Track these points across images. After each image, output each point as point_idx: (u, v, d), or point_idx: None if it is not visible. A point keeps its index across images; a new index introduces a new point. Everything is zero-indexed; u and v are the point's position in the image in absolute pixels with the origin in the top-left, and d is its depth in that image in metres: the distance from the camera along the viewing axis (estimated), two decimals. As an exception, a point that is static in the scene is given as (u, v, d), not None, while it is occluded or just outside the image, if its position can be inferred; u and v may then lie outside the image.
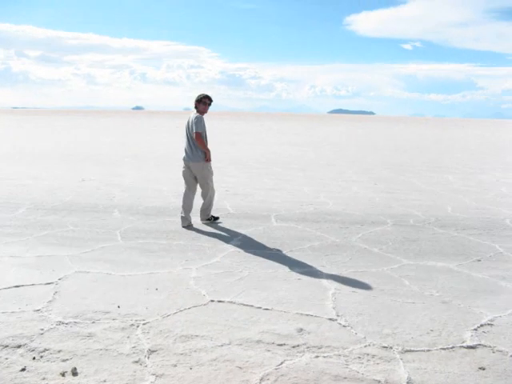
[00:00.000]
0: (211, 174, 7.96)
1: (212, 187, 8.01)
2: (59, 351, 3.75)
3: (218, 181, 12.51)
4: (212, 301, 4.77)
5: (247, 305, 4.69)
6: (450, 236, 7.57)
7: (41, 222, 7.86)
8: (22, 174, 13.45)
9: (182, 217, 7.89)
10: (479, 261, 6.35)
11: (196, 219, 8.14)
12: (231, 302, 4.75)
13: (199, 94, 7.94)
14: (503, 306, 4.86)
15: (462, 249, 6.88)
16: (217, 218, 8.29)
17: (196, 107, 7.90)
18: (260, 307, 4.64)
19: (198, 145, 7.69)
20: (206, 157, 7.73)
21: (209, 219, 8.19)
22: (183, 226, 7.79)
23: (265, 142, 29.83)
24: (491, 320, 4.51)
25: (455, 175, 15.27)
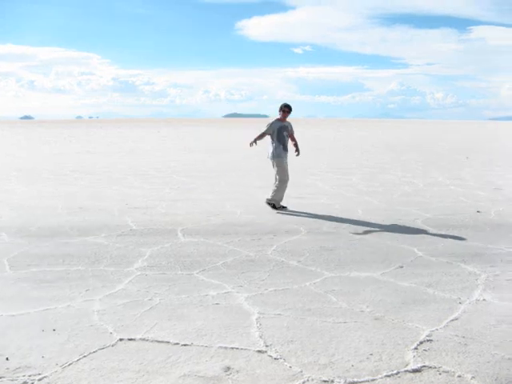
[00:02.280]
0: (282, 168, 9.67)
1: (282, 178, 9.71)
2: None
3: (117, 192, 11.74)
4: (121, 339, 4.12)
5: (162, 341, 4.08)
6: (366, 242, 7.33)
7: None
8: None
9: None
10: (402, 267, 6.11)
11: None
12: (144, 340, 4.12)
13: (282, 103, 9.85)
14: (436, 318, 4.60)
15: (381, 255, 6.64)
16: (276, 207, 9.75)
17: (279, 114, 9.84)
18: (177, 343, 4.05)
19: (275, 146, 9.71)
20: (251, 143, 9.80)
21: (269, 203, 9.84)
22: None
23: (163, 149, 28.94)
24: (429, 335, 4.22)
25: (357, 176, 15.32)
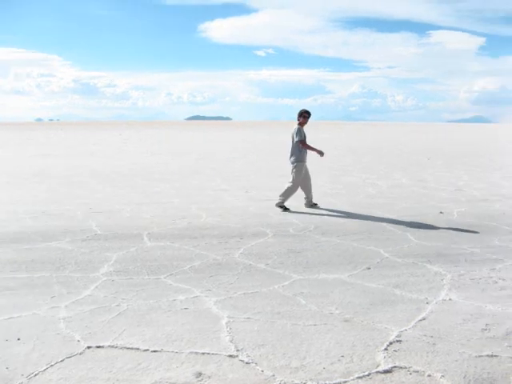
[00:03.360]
0: (299, 174, 10.04)
1: (294, 184, 10.09)
2: None
3: (80, 196, 11.55)
4: (89, 347, 4.03)
5: (132, 348, 4.01)
6: (333, 244, 7.36)
7: None
8: None
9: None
10: (369, 269, 6.15)
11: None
12: (112, 347, 4.04)
13: (301, 109, 10.13)
14: (405, 318, 4.64)
15: (348, 257, 6.67)
16: (284, 209, 9.98)
17: (298, 120, 10.12)
18: (147, 349, 3.99)
19: (300, 149, 9.95)
20: (319, 154, 10.16)
21: (281, 206, 10.05)
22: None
23: (125, 151, 28.62)
24: (398, 336, 4.25)
25: (321, 178, 15.39)
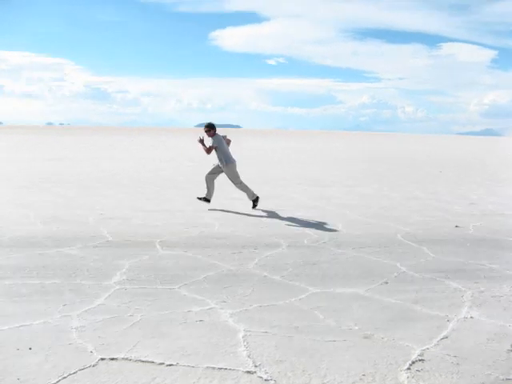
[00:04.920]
0: (234, 172, 11.14)
1: (237, 181, 11.20)
2: None
3: (91, 202, 11.48)
4: (102, 359, 3.92)
5: (146, 361, 3.89)
6: (349, 256, 7.22)
7: None
8: None
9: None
10: (386, 283, 6.01)
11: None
12: (126, 359, 3.92)
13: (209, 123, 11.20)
14: (426, 336, 4.50)
15: (365, 270, 6.54)
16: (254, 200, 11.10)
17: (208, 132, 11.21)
18: (162, 363, 3.87)
19: (224, 152, 11.03)
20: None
21: (254, 202, 11.18)
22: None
23: (135, 158, 28.58)
24: (420, 355, 4.10)
25: (334, 189, 15.27)
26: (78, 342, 4.23)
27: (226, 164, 11.03)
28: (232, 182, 11.26)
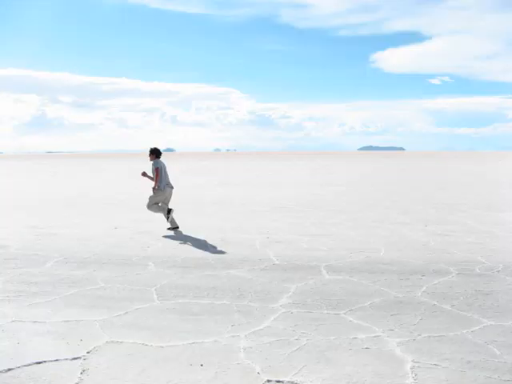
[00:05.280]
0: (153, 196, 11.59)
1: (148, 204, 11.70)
2: None
3: (259, 226, 11.79)
4: (269, 381, 3.98)
5: (312, 386, 3.89)
6: (528, 288, 6.66)
7: (70, 278, 7.18)
8: (50, 222, 12.85)
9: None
10: None
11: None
12: (292, 383, 3.94)
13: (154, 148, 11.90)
14: None
15: (547, 304, 5.98)
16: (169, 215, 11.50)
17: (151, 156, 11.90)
18: (328, 390, 3.84)
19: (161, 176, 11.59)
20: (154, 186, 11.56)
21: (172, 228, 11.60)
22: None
23: (300, 182, 29.02)
24: None
25: (508, 213, 14.26)
26: (246, 362, 4.34)
27: (160, 188, 11.52)
28: (149, 201, 11.67)
